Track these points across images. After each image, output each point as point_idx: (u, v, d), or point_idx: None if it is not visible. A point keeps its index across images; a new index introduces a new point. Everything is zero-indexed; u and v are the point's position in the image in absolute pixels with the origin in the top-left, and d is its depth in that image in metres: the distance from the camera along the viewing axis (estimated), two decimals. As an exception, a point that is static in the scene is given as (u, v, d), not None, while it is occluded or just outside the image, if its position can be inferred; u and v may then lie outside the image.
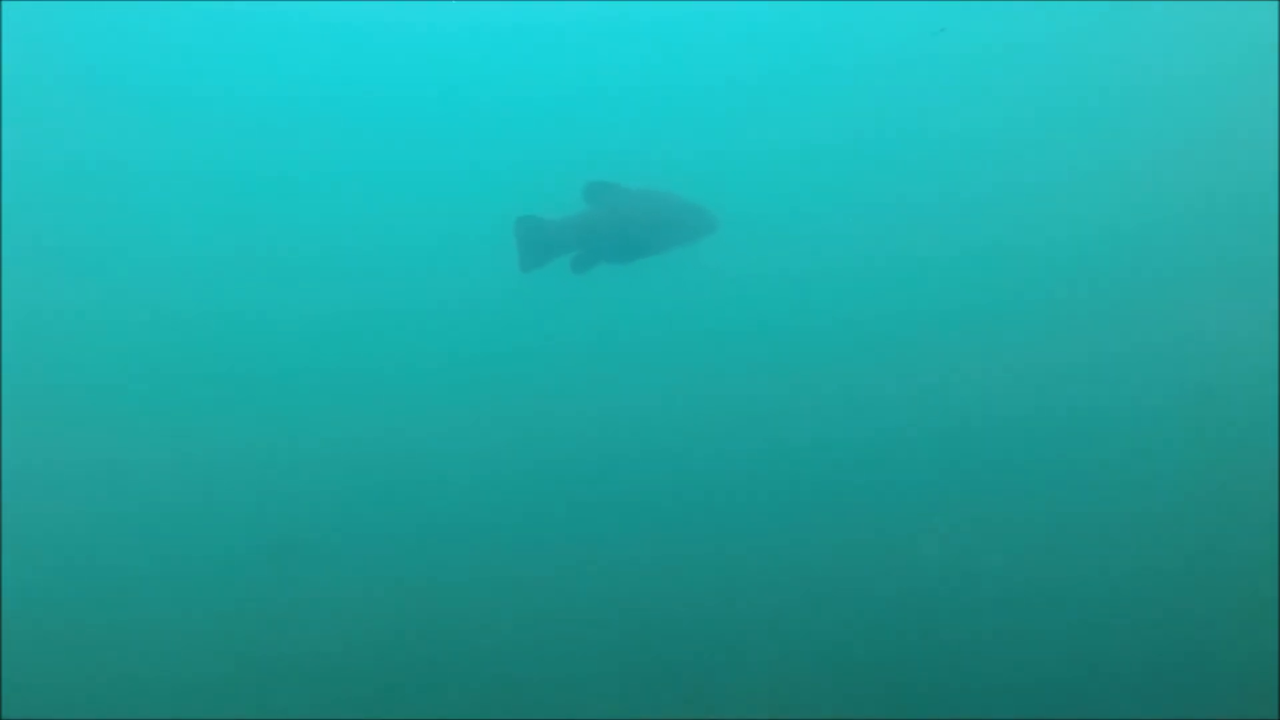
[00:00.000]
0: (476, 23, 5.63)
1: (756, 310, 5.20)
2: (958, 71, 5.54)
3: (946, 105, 5.49)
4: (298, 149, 5.39)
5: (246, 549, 4.29)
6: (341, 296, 5.16)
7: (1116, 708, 3.48)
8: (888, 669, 3.76)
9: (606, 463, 4.67)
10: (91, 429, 4.64)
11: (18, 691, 3.68)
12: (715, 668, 3.82)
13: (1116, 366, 4.78)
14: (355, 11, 5.54)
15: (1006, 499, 4.34)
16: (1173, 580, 3.93)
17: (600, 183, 3.52)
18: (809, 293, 5.21)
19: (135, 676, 3.81)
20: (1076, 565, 4.06)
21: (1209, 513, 4.19)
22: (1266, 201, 4.93)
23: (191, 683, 3.80)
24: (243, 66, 5.42)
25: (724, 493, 4.52)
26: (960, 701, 3.60)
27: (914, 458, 4.57)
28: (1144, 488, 4.33)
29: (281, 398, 4.89)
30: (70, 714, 3.67)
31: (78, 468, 4.48)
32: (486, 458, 4.69)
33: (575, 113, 5.59)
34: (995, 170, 5.37)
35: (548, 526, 4.44)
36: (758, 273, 5.15)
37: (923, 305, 5.08)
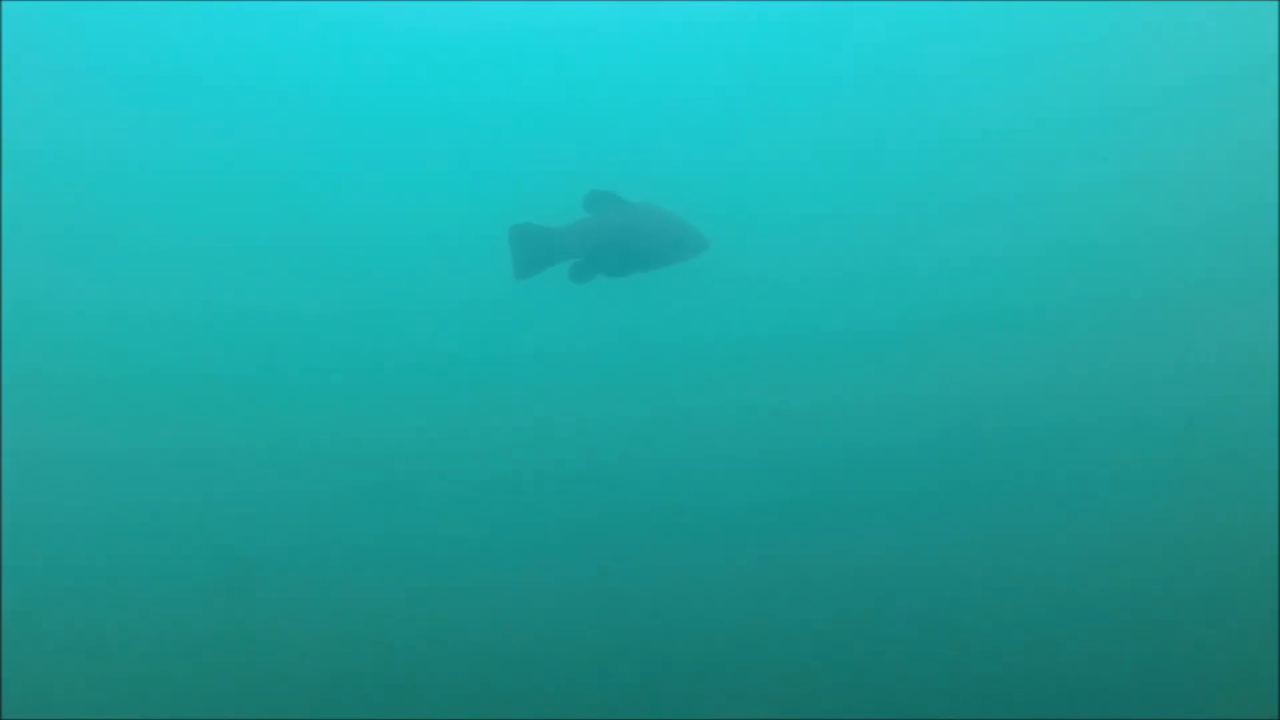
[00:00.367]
0: (481, 27, 5.64)
1: (754, 317, 5.20)
2: (957, 76, 5.55)
3: (946, 110, 5.49)
4: (299, 151, 5.39)
5: (246, 550, 4.29)
6: (341, 297, 5.17)
7: (1117, 708, 3.48)
8: (888, 671, 3.76)
9: (601, 470, 4.67)
10: (92, 429, 4.64)
11: (18, 691, 3.68)
12: (711, 671, 3.82)
13: (1117, 370, 4.78)
14: (358, 13, 5.54)
15: (1006, 503, 4.34)
16: (1173, 581, 3.93)
17: (601, 192, 3.51)
18: (808, 301, 5.21)
19: (135, 677, 3.81)
20: (1077, 567, 4.07)
21: (1209, 514, 4.19)
22: (1267, 203, 4.93)
23: (192, 683, 3.80)
24: (242, 67, 5.42)
25: (720, 500, 4.52)
26: (961, 702, 3.60)
27: (913, 466, 4.57)
28: (1144, 490, 4.33)
29: (281, 398, 4.89)
30: (70, 714, 3.67)
31: (78, 468, 4.48)
32: (481, 462, 4.70)
33: (582, 119, 5.60)
34: (994, 176, 5.38)
35: (543, 531, 4.44)
36: (756, 280, 5.16)
37: (921, 313, 5.09)
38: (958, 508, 4.35)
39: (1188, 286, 4.99)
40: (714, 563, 4.24)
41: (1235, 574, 3.90)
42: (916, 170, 5.45)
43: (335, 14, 5.54)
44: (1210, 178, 5.19)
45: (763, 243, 5.18)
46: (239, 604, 4.09)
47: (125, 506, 4.41)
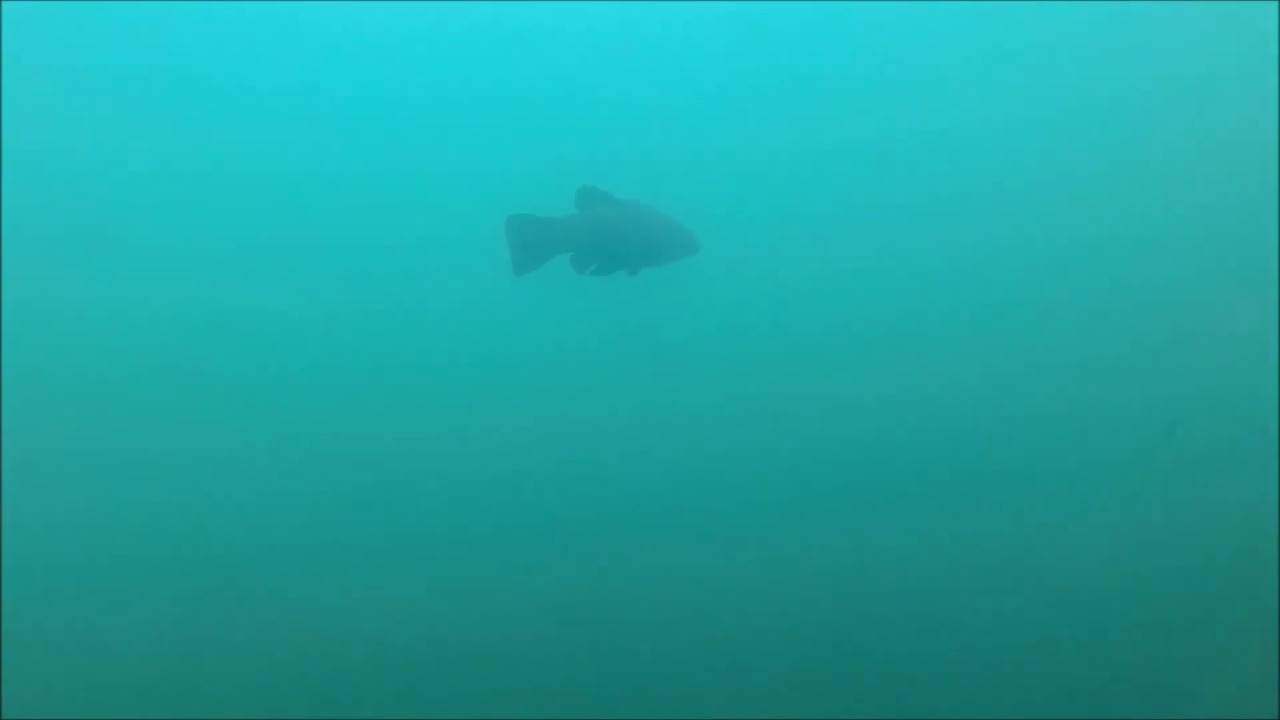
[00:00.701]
0: (472, 26, 5.64)
1: (752, 314, 5.20)
2: (957, 73, 5.54)
3: (946, 106, 5.49)
4: (293, 150, 5.39)
5: (245, 550, 4.29)
6: (340, 297, 5.17)
7: (1117, 708, 3.48)
8: (887, 671, 3.76)
9: (600, 470, 4.67)
10: (92, 429, 4.64)
11: (18, 691, 3.68)
12: (711, 671, 3.82)
13: (1117, 367, 4.78)
14: (357, 12, 5.54)
15: (1005, 503, 4.34)
16: (1173, 580, 3.93)
17: (592, 188, 3.50)
18: (802, 299, 5.21)
19: (135, 677, 3.81)
20: (1077, 566, 4.06)
21: (1209, 513, 4.19)
22: (1267, 201, 4.93)
23: (191, 683, 3.79)
24: (241, 67, 5.42)
25: (717, 497, 4.52)
26: (961, 702, 3.60)
27: (912, 464, 4.57)
28: (1145, 488, 4.33)
29: (280, 398, 4.89)
30: (70, 714, 3.67)
31: (79, 468, 4.48)
32: (478, 462, 4.70)
33: (573, 115, 5.59)
34: (994, 172, 5.38)
35: (542, 531, 4.44)
36: (749, 278, 5.16)
37: (921, 309, 5.08)
38: (957, 506, 4.34)
39: (1189, 283, 4.99)
40: (713, 562, 4.24)
41: (1236, 572, 3.90)
42: (916, 166, 5.45)
43: (332, 13, 5.54)
44: (1210, 176, 5.19)
45: (754, 241, 5.18)
46: (239, 604, 4.09)
47: (126, 506, 4.41)
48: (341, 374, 5.02)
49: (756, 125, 5.59)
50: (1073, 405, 4.66)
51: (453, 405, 4.93)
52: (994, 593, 3.98)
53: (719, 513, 4.46)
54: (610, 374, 5.02)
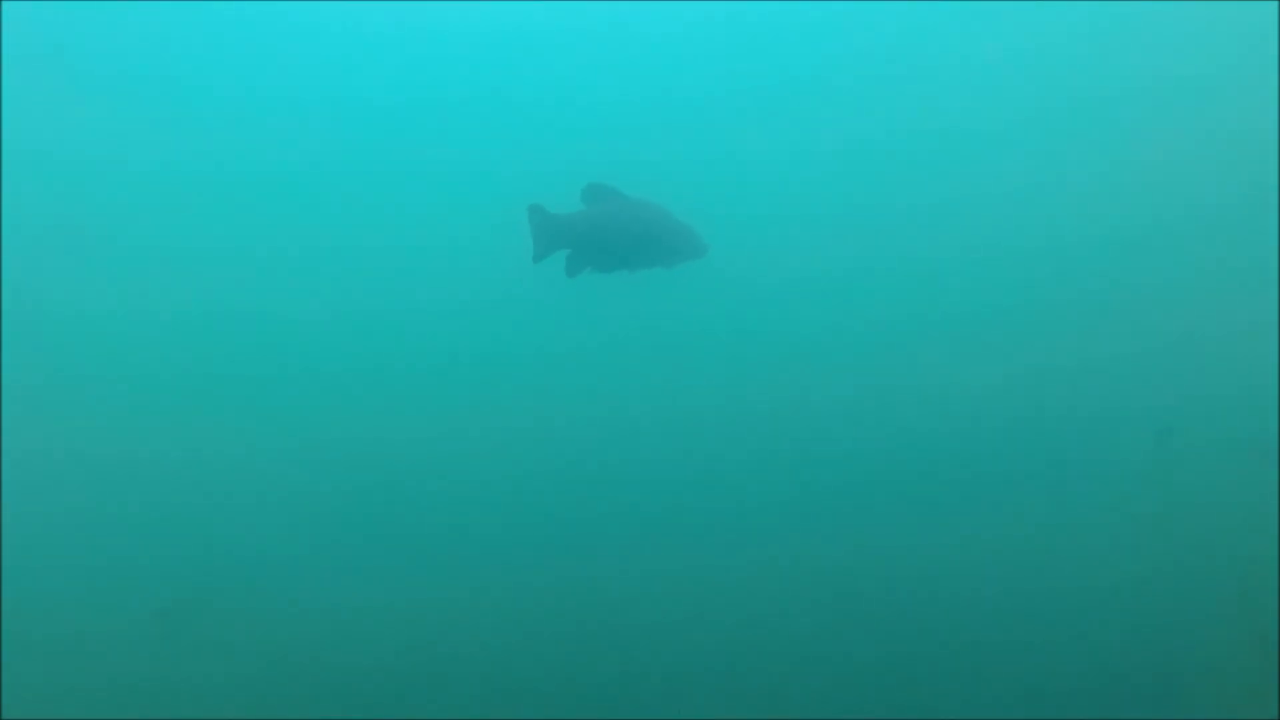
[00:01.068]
0: (479, 26, 5.63)
1: (750, 316, 5.20)
2: (957, 73, 5.55)
3: (946, 106, 5.49)
4: (297, 150, 5.39)
5: (246, 550, 4.29)
6: (339, 297, 5.17)
7: (1117, 708, 3.48)
8: (888, 671, 3.76)
9: (599, 469, 4.67)
10: (93, 429, 4.64)
11: (18, 691, 3.68)
12: (711, 671, 3.82)
13: (1117, 368, 4.78)
14: (360, 12, 5.54)
15: (1004, 502, 4.34)
16: (1173, 580, 3.93)
17: (600, 185, 3.50)
18: (805, 300, 5.21)
19: (135, 677, 3.81)
20: (1077, 566, 4.07)
21: (1210, 513, 4.19)
22: (1266, 201, 4.93)
23: (191, 683, 3.79)
24: (247, 68, 5.42)
25: (717, 497, 4.52)
26: (961, 702, 3.60)
27: (912, 461, 4.57)
28: (1145, 488, 4.34)
29: (279, 398, 4.89)
30: (70, 714, 3.67)
31: (79, 468, 4.48)
32: (476, 462, 4.70)
33: (581, 117, 5.60)
34: (995, 172, 5.38)
35: (541, 530, 4.44)
36: (753, 280, 5.16)
37: (923, 310, 5.09)
38: (957, 506, 4.35)
39: (1189, 283, 4.99)
40: (713, 561, 4.24)
41: (1236, 572, 3.90)
42: (921, 167, 5.45)
43: (338, 13, 5.54)
44: (1210, 176, 5.19)
45: (760, 242, 5.18)
46: (239, 604, 4.10)
47: (126, 507, 4.41)
48: (341, 374, 5.02)
49: (764, 128, 5.59)
50: (1074, 405, 4.66)
51: (452, 405, 4.93)
52: (993, 593, 3.98)
53: (719, 512, 4.46)
54: (610, 374, 5.02)
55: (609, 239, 3.43)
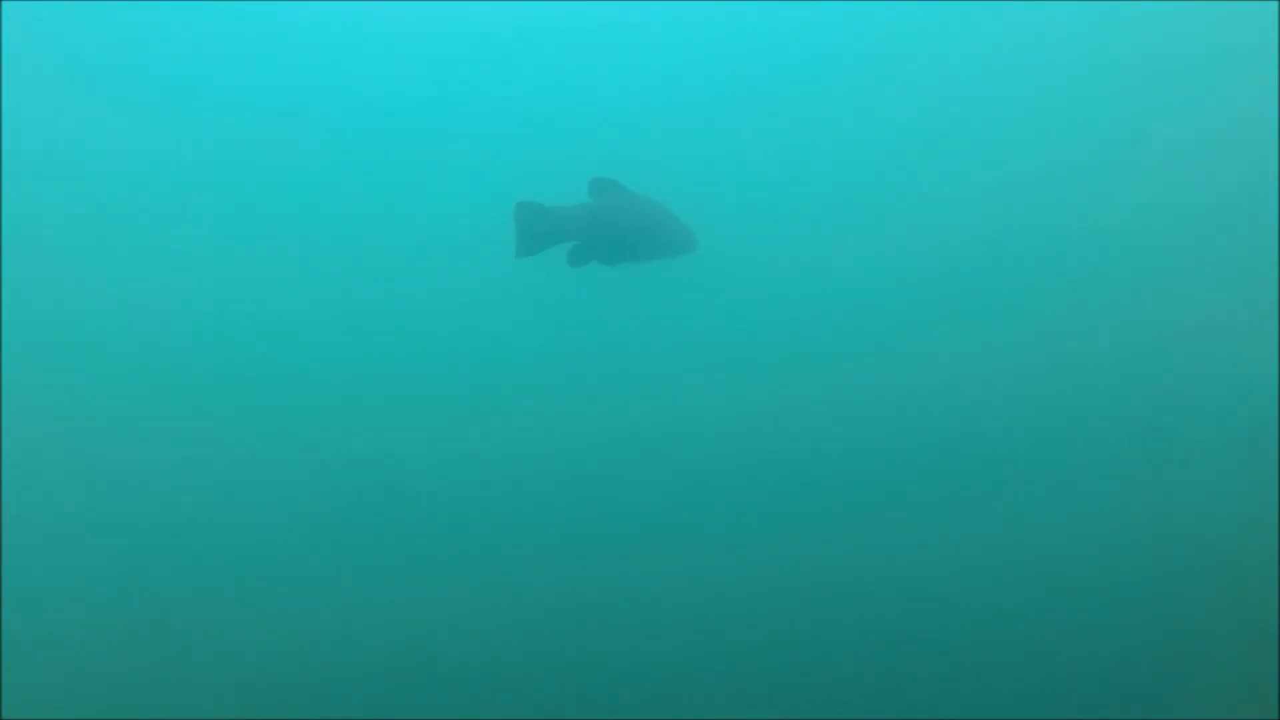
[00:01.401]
0: (479, 24, 5.63)
1: (747, 312, 5.20)
2: (956, 71, 5.54)
3: (945, 105, 5.49)
4: (299, 150, 5.39)
5: (246, 551, 4.29)
6: (340, 298, 5.17)
7: (1116, 708, 3.48)
8: (888, 671, 3.76)
9: (598, 469, 4.67)
10: (93, 429, 4.64)
11: (18, 691, 3.68)
12: (710, 671, 3.82)
13: (1115, 366, 4.78)
14: (362, 11, 5.54)
15: (1006, 499, 4.33)
16: (1172, 579, 3.93)
17: (605, 179, 3.50)
18: (799, 297, 5.21)
19: (135, 677, 3.81)
20: (1076, 565, 4.06)
21: (1209, 511, 4.18)
22: (1267, 201, 4.93)
23: (191, 683, 3.79)
24: (247, 67, 5.41)
25: (716, 497, 4.52)
26: (960, 702, 3.60)
27: (912, 461, 4.57)
28: (1143, 487, 4.33)
29: (280, 398, 4.89)
30: (70, 714, 3.67)
31: (79, 467, 4.48)
32: (475, 462, 4.69)
33: (588, 109, 5.59)
34: (993, 171, 5.37)
35: (540, 530, 4.44)
36: (748, 276, 5.15)
37: (919, 307, 5.08)
38: (956, 505, 4.34)
39: (1189, 283, 4.99)
40: (712, 561, 4.24)
41: (1236, 571, 3.90)
42: (920, 164, 5.45)
43: (340, 12, 5.54)
44: (1210, 176, 5.19)
45: (753, 238, 5.17)
46: (240, 605, 4.09)
47: (127, 506, 4.41)
48: (340, 375, 5.01)
49: (757, 123, 5.59)
50: (1071, 403, 4.66)
51: (451, 405, 4.92)
52: (992, 592, 3.98)
53: (719, 511, 4.45)
54: (610, 374, 5.01)
55: (596, 233, 3.43)
